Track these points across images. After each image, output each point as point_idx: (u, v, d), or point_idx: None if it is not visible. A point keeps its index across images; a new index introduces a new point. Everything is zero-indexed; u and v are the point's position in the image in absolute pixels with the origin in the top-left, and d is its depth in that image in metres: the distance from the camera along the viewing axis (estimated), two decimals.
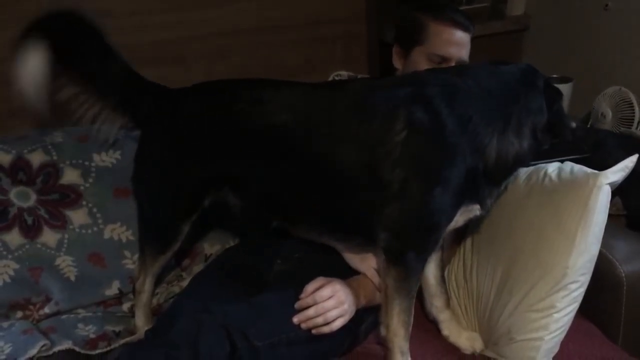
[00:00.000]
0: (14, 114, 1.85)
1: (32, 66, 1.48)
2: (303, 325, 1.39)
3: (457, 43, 1.60)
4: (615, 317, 1.57)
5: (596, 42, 2.20)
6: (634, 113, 1.93)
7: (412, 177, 1.32)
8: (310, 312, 1.39)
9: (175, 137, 1.52)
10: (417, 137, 1.32)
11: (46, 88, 1.51)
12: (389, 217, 1.35)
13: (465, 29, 1.60)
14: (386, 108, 1.34)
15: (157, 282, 1.73)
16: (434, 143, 1.33)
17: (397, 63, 1.71)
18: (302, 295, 1.41)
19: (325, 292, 1.40)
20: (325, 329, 1.40)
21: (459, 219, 1.41)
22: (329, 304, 1.39)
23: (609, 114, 2.00)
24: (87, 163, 1.77)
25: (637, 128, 1.91)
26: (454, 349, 1.57)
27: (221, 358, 1.28)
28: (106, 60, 1.55)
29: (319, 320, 1.39)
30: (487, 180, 1.36)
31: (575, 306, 1.44)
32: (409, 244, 1.37)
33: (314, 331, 1.39)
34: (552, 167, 1.50)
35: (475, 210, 1.41)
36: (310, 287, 1.41)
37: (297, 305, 1.40)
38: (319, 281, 1.42)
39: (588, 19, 2.25)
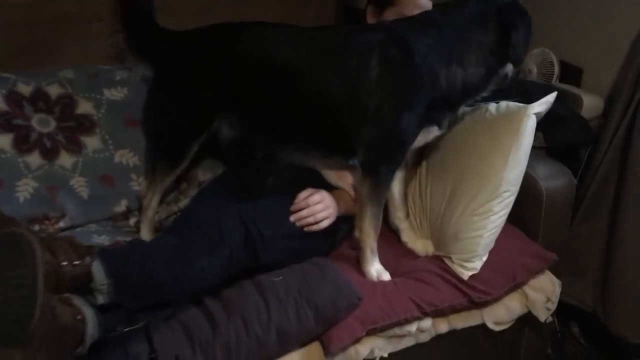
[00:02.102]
0: (20, 53, 1.97)
1: None
2: (297, 224, 1.64)
3: (424, 7, 1.81)
4: (537, 221, 1.87)
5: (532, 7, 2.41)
6: (554, 69, 2.22)
7: (385, 103, 1.60)
8: (304, 212, 1.65)
9: (188, 70, 1.75)
10: (388, 71, 1.59)
11: None
12: (366, 136, 1.62)
13: None
14: (364, 47, 1.61)
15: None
16: (401, 76, 1.60)
17: (371, 22, 1.91)
18: (296, 200, 1.66)
19: (315, 197, 1.66)
20: (315, 227, 1.66)
21: (420, 139, 1.68)
22: (318, 207, 1.66)
23: (535, 70, 2.29)
24: (98, 96, 1.94)
25: (555, 81, 2.23)
26: (411, 252, 1.85)
27: (238, 241, 1.51)
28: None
29: (310, 219, 1.65)
30: (444, 105, 1.64)
31: (507, 211, 1.74)
32: (381, 158, 1.65)
33: (305, 229, 1.65)
34: (492, 105, 1.80)
35: (434, 131, 1.69)
36: (302, 194, 1.67)
37: (292, 207, 1.65)
38: (309, 190, 1.69)
39: None
